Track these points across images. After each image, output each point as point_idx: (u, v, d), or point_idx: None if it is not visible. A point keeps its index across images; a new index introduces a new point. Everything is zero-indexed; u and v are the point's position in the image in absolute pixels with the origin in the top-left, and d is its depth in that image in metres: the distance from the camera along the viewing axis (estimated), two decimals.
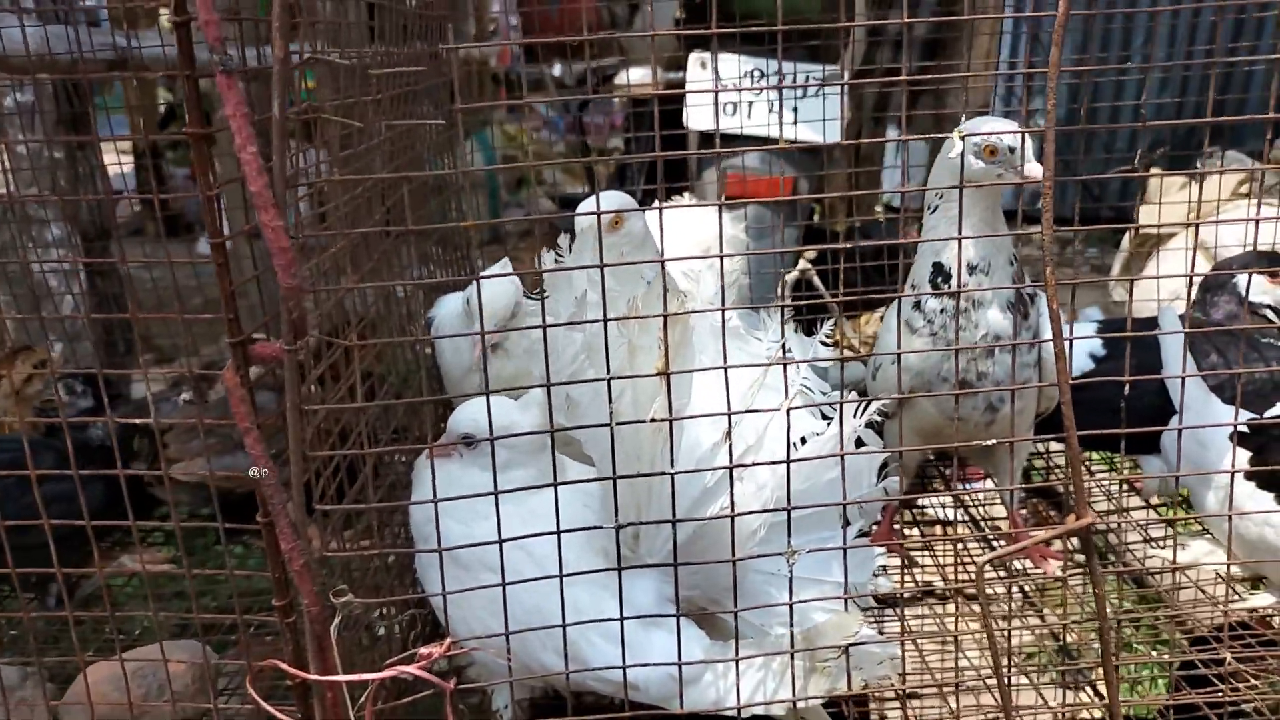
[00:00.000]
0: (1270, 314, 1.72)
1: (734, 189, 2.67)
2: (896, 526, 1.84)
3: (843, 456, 1.11)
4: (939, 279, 1.54)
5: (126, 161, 5.08)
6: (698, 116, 2.72)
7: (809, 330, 1.57)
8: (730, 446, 1.10)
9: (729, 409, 1.06)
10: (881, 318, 3.00)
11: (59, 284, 2.59)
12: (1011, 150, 1.40)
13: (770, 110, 2.77)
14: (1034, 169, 1.38)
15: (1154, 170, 3.06)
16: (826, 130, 2.61)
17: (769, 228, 2.73)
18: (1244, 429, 1.49)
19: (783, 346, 1.43)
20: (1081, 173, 2.92)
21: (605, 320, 1.03)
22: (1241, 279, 1.74)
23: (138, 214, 4.98)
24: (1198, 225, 2.50)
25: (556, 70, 6.08)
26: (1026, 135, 1.39)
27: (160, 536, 2.05)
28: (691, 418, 1.09)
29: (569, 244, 1.41)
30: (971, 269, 1.50)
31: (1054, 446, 2.18)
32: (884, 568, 1.34)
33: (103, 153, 2.90)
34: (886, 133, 3.73)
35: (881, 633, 1.48)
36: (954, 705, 1.30)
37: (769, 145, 2.56)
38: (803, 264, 1.95)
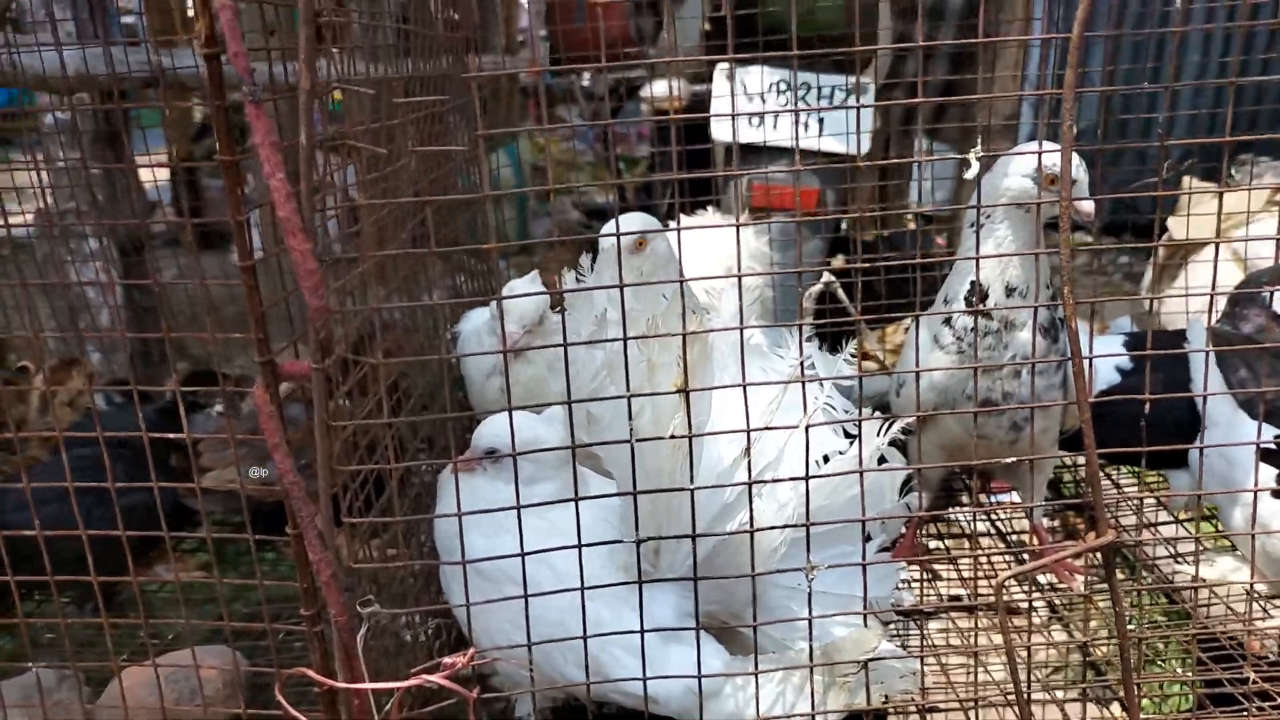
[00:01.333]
0: None
1: (759, 201, 2.68)
2: (920, 540, 1.83)
3: (862, 473, 1.12)
4: (974, 298, 1.53)
5: (162, 175, 5.19)
6: (723, 128, 2.73)
7: (834, 345, 1.57)
8: (749, 463, 1.11)
9: (748, 426, 1.07)
10: (906, 330, 3.00)
11: (95, 295, 2.66)
12: (1074, 182, 1.39)
13: (796, 123, 2.78)
14: (1088, 205, 1.38)
15: (1185, 181, 3.02)
16: (853, 142, 2.61)
17: (794, 240, 2.74)
18: (1270, 446, 1.48)
19: (801, 364, 1.44)
20: (1113, 182, 2.88)
21: (625, 339, 1.05)
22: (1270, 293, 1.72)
23: (173, 225, 5.08)
24: (1216, 241, 2.47)
25: (586, 81, 6.12)
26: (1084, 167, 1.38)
27: (193, 544, 2.09)
28: (711, 434, 1.10)
29: (590, 263, 1.43)
30: (1010, 290, 1.49)
31: (1083, 460, 2.16)
32: (906, 582, 1.34)
33: (138, 169, 2.97)
34: (914, 143, 3.72)
35: (904, 647, 1.48)
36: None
37: (792, 158, 2.56)
38: (826, 277, 1.95)
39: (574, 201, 5.03)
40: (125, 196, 2.67)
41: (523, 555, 1.06)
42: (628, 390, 1.05)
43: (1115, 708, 1.53)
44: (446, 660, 1.04)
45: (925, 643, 1.55)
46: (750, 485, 1.09)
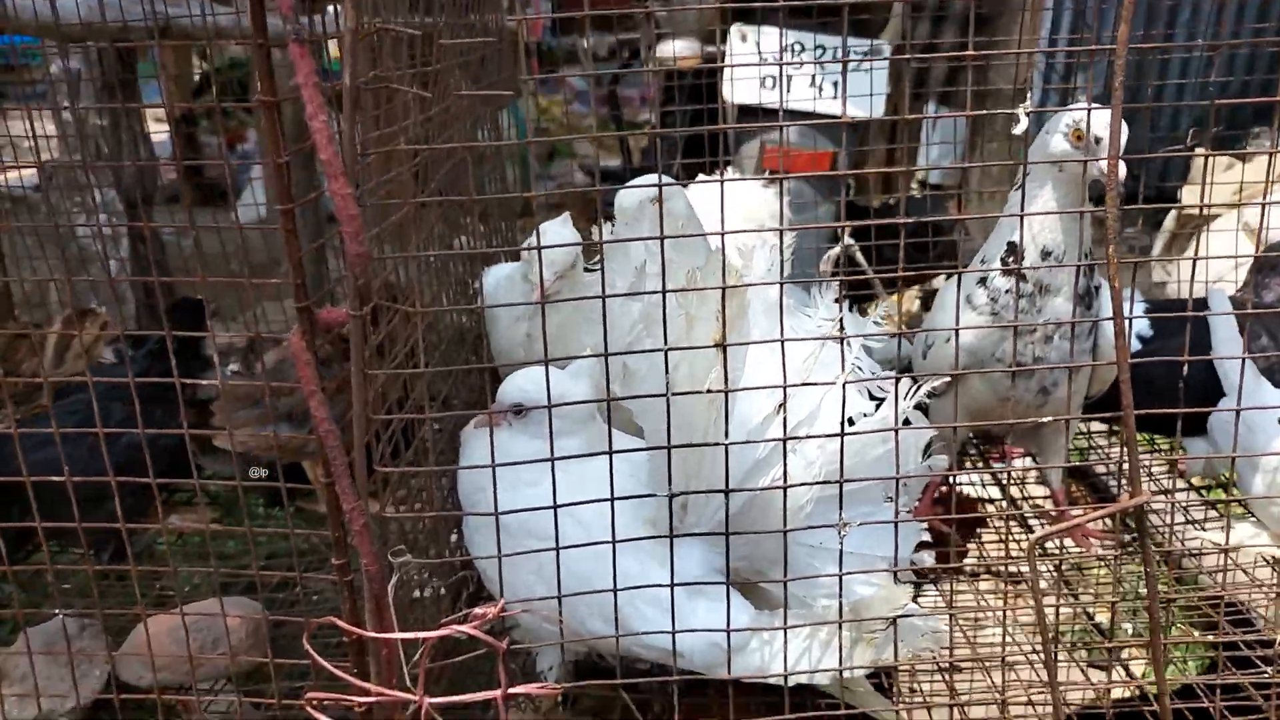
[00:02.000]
0: None
1: (772, 163, 2.66)
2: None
3: (897, 431, 1.12)
4: (1010, 258, 1.52)
5: (161, 130, 5.13)
6: (737, 90, 2.70)
7: (852, 307, 1.56)
8: (785, 419, 1.10)
9: (784, 382, 1.07)
10: (920, 296, 2.98)
11: (102, 249, 2.63)
12: (1098, 141, 1.38)
13: (811, 84, 2.75)
14: (1123, 168, 1.35)
15: (1199, 150, 3.01)
16: (869, 105, 2.59)
17: (809, 203, 2.72)
18: None
19: (839, 323, 1.43)
20: (1127, 151, 2.87)
21: (664, 291, 1.04)
22: None
23: (173, 181, 5.03)
24: (1240, 204, 2.45)
25: (586, 43, 6.04)
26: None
27: (204, 497, 2.09)
28: (746, 390, 1.10)
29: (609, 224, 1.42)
30: (1046, 254, 1.48)
31: (1094, 427, 2.17)
32: (925, 543, 1.35)
33: (146, 120, 2.93)
34: (926, 108, 3.69)
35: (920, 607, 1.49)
36: (994, 680, 1.31)
37: (807, 119, 2.54)
38: (847, 239, 1.94)
39: (580, 164, 4.99)
40: (132, 148, 2.63)
41: (555, 508, 1.06)
42: (665, 344, 1.04)
43: (1120, 671, 1.55)
44: (476, 611, 1.04)
45: (950, 601, 1.56)
46: (785, 442, 1.09)
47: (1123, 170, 1.38)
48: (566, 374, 1.33)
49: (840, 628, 1.12)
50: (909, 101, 2.18)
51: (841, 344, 1.16)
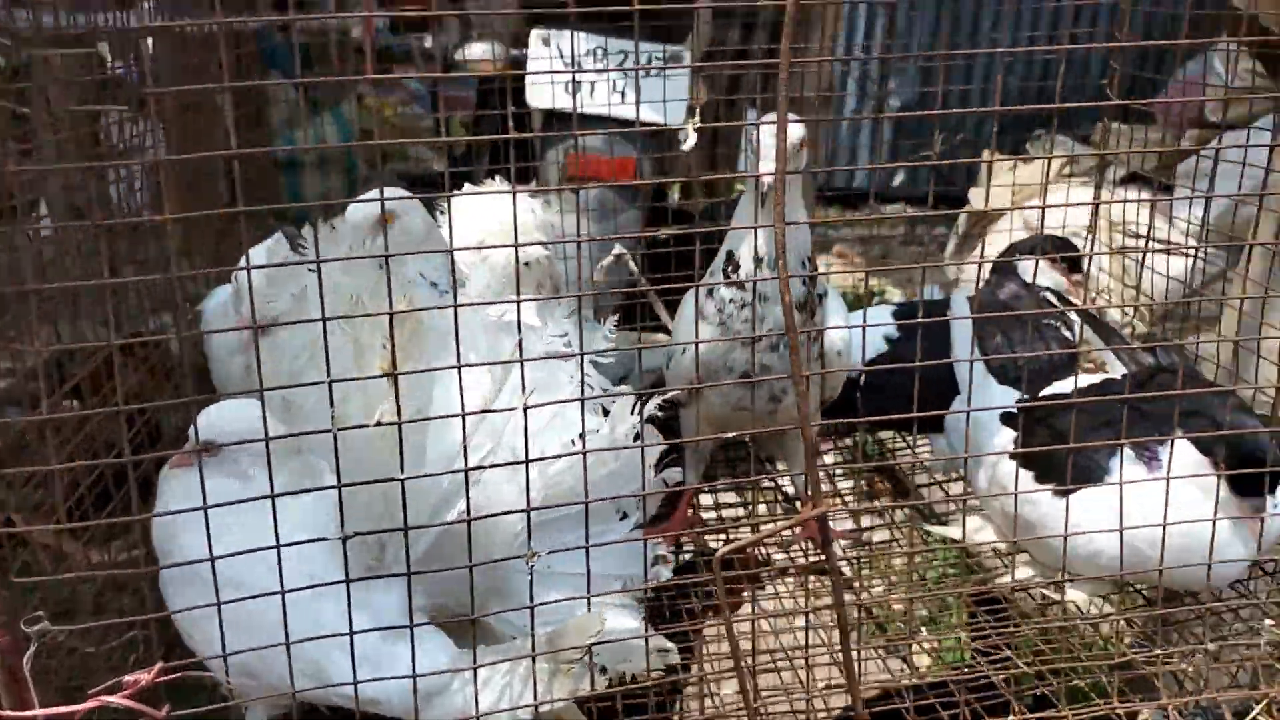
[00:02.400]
0: (1052, 298, 1.78)
1: (574, 170, 2.63)
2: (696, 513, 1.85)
3: (585, 454, 1.09)
4: (729, 268, 1.54)
5: None
6: (539, 95, 2.66)
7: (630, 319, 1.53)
8: (465, 450, 1.06)
9: (463, 410, 1.02)
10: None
11: None
12: (758, 143, 1.41)
13: (613, 90, 2.73)
14: (767, 168, 1.36)
15: (986, 152, 3.16)
16: (668, 111, 2.59)
17: (611, 210, 2.70)
18: (1012, 410, 1.55)
19: (566, 339, 1.40)
20: (934, 155, 3.00)
21: (324, 320, 0.97)
22: (1025, 263, 1.80)
23: None
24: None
25: (428, 42, 5.87)
26: (768, 130, 1.35)
27: None
28: (421, 420, 1.05)
29: (313, 236, 1.34)
30: (758, 260, 1.49)
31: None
32: (661, 557, 1.34)
33: None
34: (743, 115, 3.73)
35: (670, 622, 1.47)
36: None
37: (615, 126, 2.52)
38: (616, 249, 1.92)
39: (402, 171, 4.83)
40: None
41: (212, 560, 0.98)
42: (329, 375, 0.98)
43: (895, 662, 1.58)
44: (128, 679, 0.96)
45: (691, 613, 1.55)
46: (466, 472, 1.04)
47: (767, 178, 1.39)
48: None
49: (534, 660, 1.08)
50: (725, 108, 2.18)
51: (521, 366, 1.11)
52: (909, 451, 2.12)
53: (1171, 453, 1.30)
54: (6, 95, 1.62)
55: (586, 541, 1.09)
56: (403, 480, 1.01)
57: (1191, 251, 2.04)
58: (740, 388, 1.50)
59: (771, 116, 1.38)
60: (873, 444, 2.31)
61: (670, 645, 1.25)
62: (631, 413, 1.26)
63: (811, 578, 1.68)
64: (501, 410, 1.15)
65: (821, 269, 1.60)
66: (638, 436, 1.26)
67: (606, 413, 1.32)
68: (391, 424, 1.00)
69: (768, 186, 1.36)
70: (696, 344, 1.45)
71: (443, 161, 5.04)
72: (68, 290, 1.51)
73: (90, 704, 0.94)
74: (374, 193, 1.50)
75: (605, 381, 1.36)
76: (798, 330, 1.04)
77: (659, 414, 1.28)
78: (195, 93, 2.26)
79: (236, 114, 2.42)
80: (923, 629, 1.73)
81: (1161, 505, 1.28)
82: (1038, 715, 1.20)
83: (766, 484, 2.07)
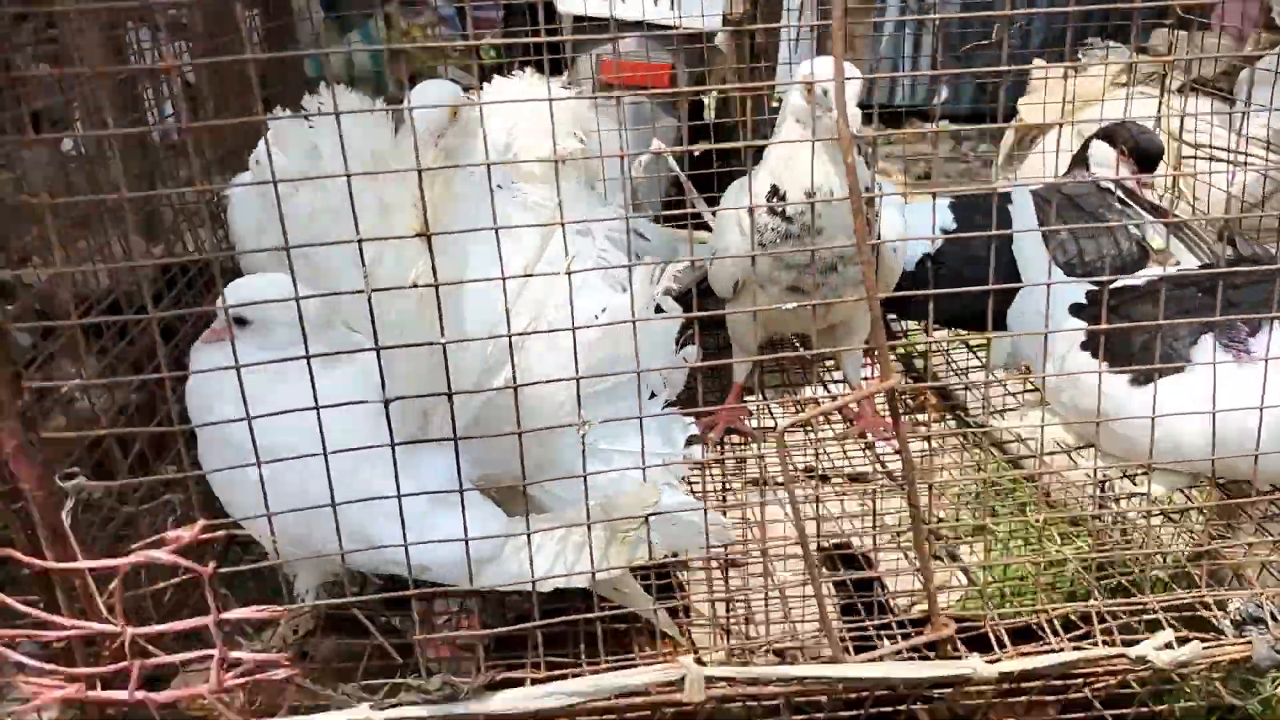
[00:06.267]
0: (1120, 193, 1.69)
1: (608, 75, 2.54)
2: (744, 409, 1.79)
3: (635, 323, 1.03)
4: (774, 199, 1.47)
5: None
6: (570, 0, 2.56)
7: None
8: (508, 316, 1.01)
9: (503, 274, 0.97)
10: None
11: None
12: (825, 93, 1.32)
13: None
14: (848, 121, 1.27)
15: (1036, 63, 3.02)
16: (707, 17, 2.49)
17: (647, 118, 2.60)
18: (1081, 301, 1.47)
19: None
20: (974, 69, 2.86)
21: (349, 175, 0.90)
22: (1095, 151, 1.70)
23: None
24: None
25: None
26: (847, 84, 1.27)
27: None
28: (458, 283, 0.99)
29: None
30: (810, 195, 1.41)
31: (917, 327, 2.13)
32: (696, 437, 1.30)
33: None
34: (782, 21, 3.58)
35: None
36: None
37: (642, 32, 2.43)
38: (656, 143, 1.84)
39: None
40: None
41: (249, 419, 0.94)
42: (358, 234, 0.92)
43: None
44: (169, 535, 0.92)
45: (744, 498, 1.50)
46: (510, 338, 0.99)
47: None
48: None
49: (590, 529, 1.04)
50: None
51: (563, 230, 1.05)
52: (947, 362, 2.02)
53: (1271, 335, 1.22)
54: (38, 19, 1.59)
55: (640, 412, 1.04)
56: (444, 344, 0.96)
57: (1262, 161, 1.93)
58: (793, 269, 1.43)
59: (823, 61, 1.29)
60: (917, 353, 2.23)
61: (727, 521, 1.21)
62: (650, 284, 1.20)
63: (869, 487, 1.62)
64: (542, 274, 1.09)
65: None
66: (657, 309, 1.21)
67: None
68: (429, 285, 0.94)
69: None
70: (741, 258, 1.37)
71: (474, 79, 4.92)
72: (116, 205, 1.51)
73: (135, 558, 0.91)
74: (435, 86, 1.45)
75: (623, 256, 1.31)
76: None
77: (674, 286, 1.23)
78: (221, 8, 2.23)
79: (265, 28, 2.38)
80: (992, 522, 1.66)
81: (1248, 393, 1.20)
82: (1122, 600, 1.14)
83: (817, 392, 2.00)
